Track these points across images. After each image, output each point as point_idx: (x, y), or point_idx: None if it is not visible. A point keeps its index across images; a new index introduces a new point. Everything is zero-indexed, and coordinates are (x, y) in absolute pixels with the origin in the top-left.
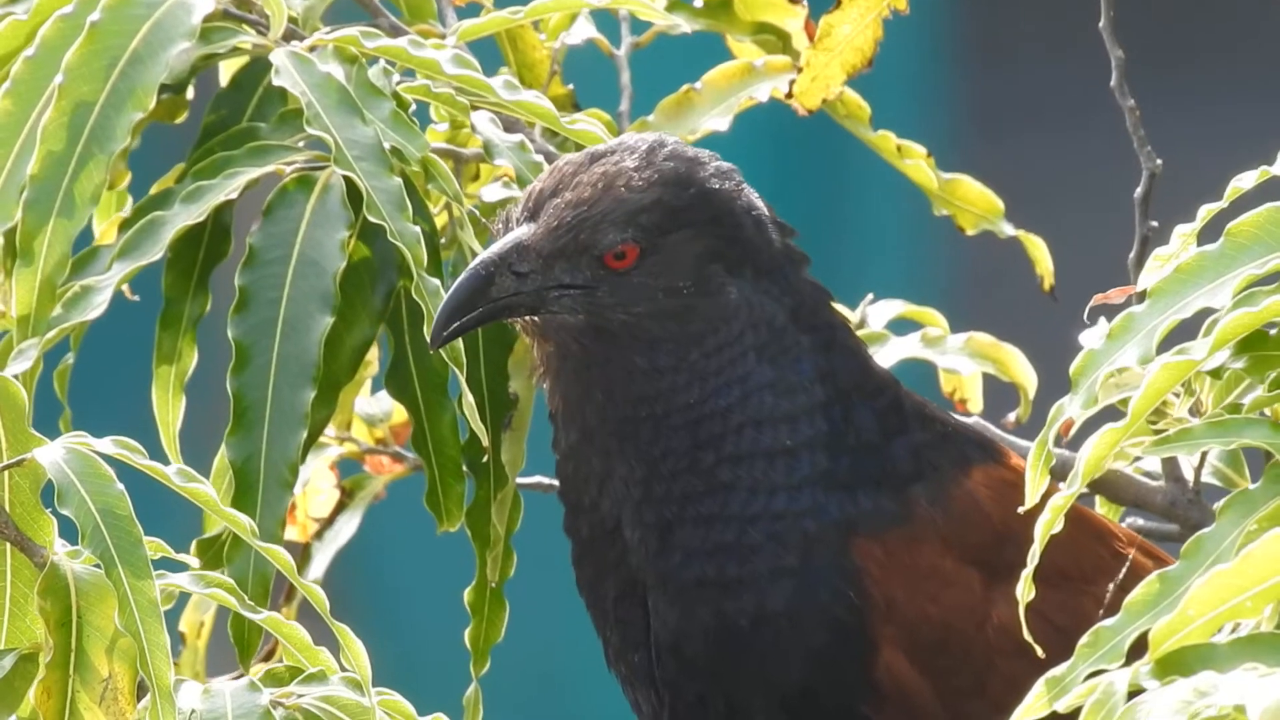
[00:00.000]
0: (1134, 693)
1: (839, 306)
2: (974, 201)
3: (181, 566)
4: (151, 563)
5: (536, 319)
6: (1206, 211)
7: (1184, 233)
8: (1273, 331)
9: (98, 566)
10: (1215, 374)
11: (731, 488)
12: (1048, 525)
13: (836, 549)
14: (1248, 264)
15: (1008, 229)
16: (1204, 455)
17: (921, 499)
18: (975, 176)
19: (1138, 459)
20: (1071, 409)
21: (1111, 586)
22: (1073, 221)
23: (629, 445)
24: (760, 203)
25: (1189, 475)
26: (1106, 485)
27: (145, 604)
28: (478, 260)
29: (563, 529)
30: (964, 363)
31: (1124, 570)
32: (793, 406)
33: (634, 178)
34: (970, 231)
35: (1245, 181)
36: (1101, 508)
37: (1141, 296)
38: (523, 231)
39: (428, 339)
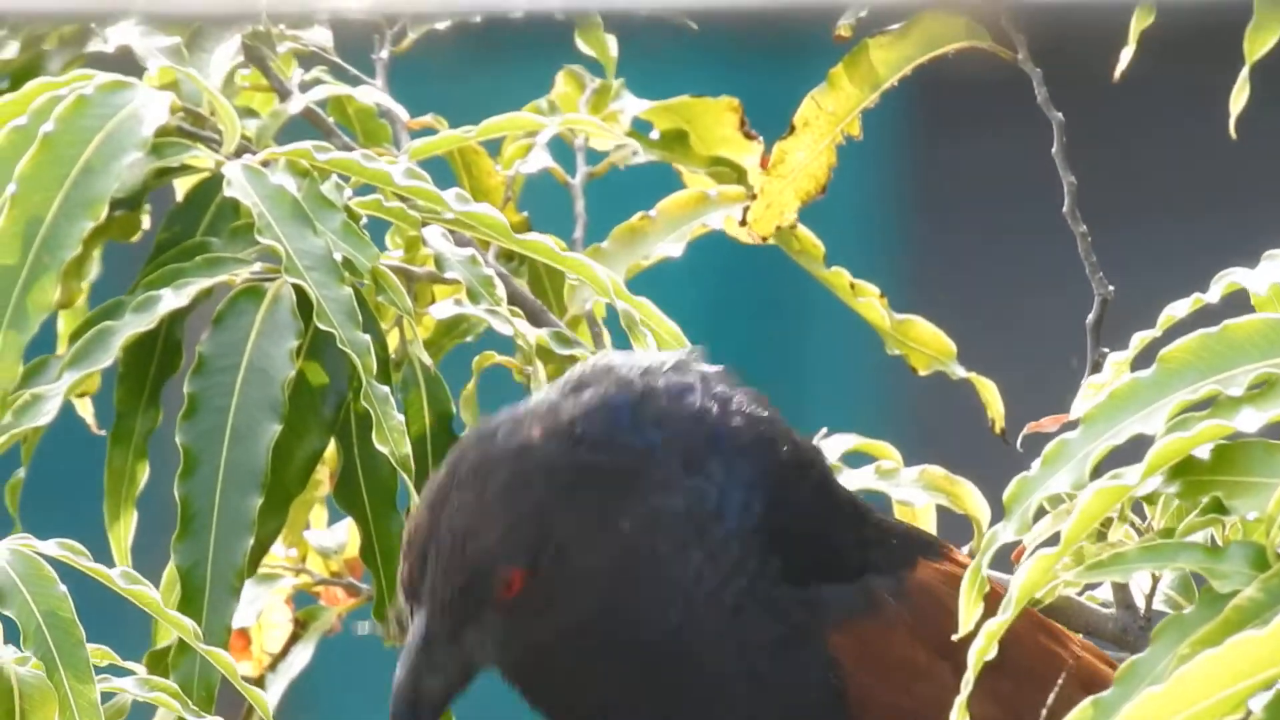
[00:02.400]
0: None
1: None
2: (926, 342)
3: (130, 675)
4: (99, 669)
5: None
6: (1140, 340)
7: (1117, 361)
8: (1205, 456)
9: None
10: (1149, 499)
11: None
12: (981, 651)
13: (814, 642)
14: (1180, 389)
15: (959, 370)
16: (1155, 583)
17: (886, 589)
18: (931, 305)
19: (1090, 587)
20: (1005, 535)
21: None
22: (1026, 349)
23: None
24: (670, 411)
25: (1140, 603)
26: (1058, 612)
27: (86, 706)
28: (396, 691)
29: None
30: (918, 495)
31: (1069, 669)
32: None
33: (501, 505)
34: (922, 372)
35: (1179, 310)
36: None
37: (1075, 425)
38: (421, 624)
39: (377, 445)
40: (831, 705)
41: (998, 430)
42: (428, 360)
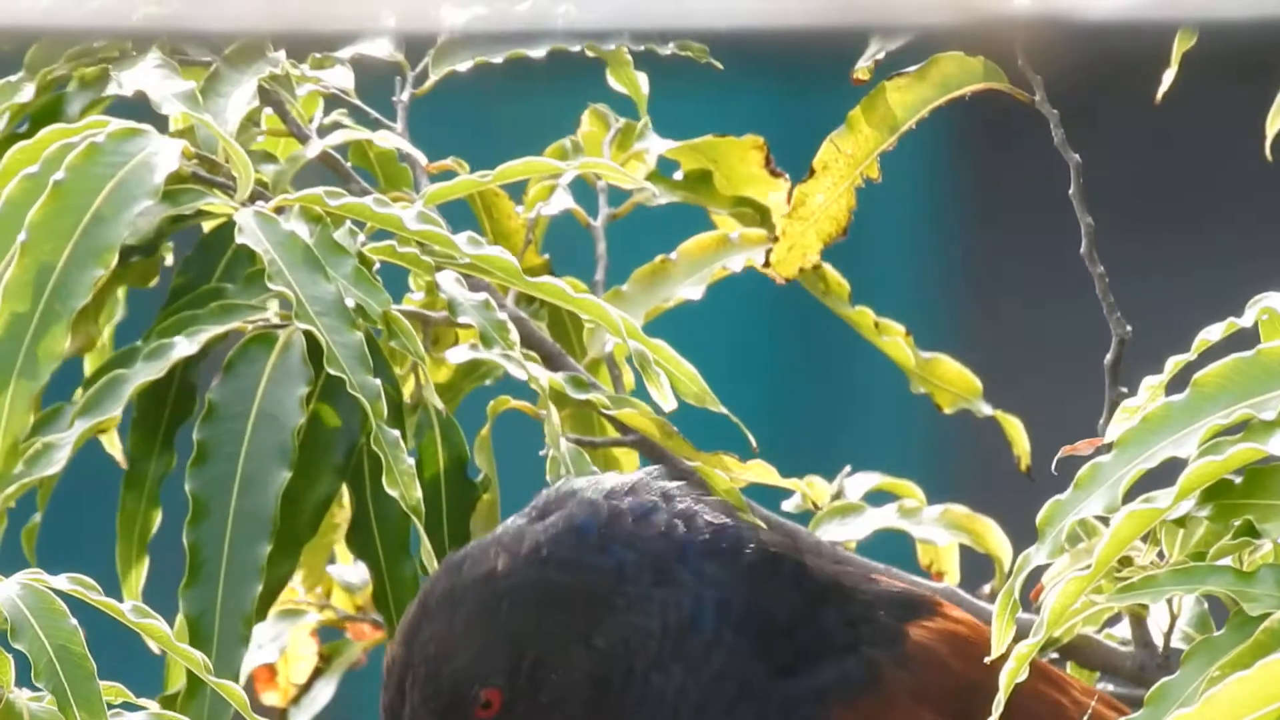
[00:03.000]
0: None
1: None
2: (952, 381)
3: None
4: (111, 706)
5: None
6: (1174, 363)
7: (1151, 384)
8: (1238, 480)
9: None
10: (1179, 523)
11: None
12: (1012, 674)
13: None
14: (1213, 414)
15: (985, 408)
16: (1173, 620)
17: (884, 660)
18: (961, 344)
19: (1108, 626)
20: (1038, 558)
21: None
22: (1049, 390)
23: None
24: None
25: (1159, 640)
26: (1076, 650)
27: None
28: None
29: None
30: (940, 534)
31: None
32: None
33: (448, 641)
34: (948, 410)
35: (1213, 334)
36: (1072, 672)
37: (1109, 448)
38: None
39: (387, 489)
40: None
41: (1023, 468)
42: (440, 405)
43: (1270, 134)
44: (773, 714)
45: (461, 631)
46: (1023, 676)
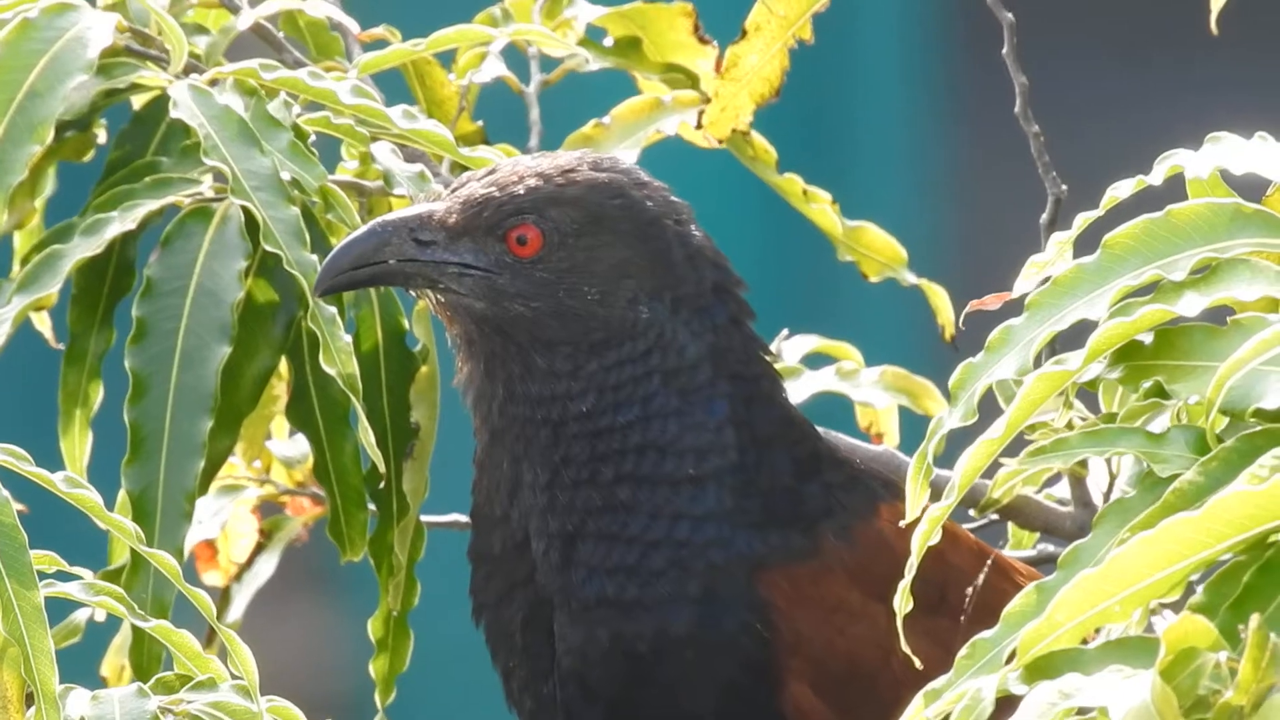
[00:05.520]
0: (1003, 699)
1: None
2: (879, 249)
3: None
4: (45, 576)
5: (440, 298)
6: (1082, 220)
7: (1059, 241)
8: (1148, 341)
9: None
10: (1090, 385)
11: (631, 509)
12: (925, 536)
13: (742, 582)
14: (1124, 275)
15: (910, 277)
16: (1112, 480)
17: (829, 534)
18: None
19: (1048, 486)
20: (951, 421)
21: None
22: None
23: (533, 449)
24: (705, 243)
25: (1098, 500)
26: (1016, 512)
27: (30, 610)
28: (377, 221)
29: (467, 554)
30: (878, 396)
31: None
32: (699, 441)
33: (560, 175)
34: (873, 278)
35: (1121, 191)
36: (1012, 535)
37: (1020, 306)
38: (435, 204)
39: (324, 366)
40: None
41: (947, 337)
42: None
43: (1215, 8)
44: (710, 556)
45: (558, 180)
46: (935, 539)
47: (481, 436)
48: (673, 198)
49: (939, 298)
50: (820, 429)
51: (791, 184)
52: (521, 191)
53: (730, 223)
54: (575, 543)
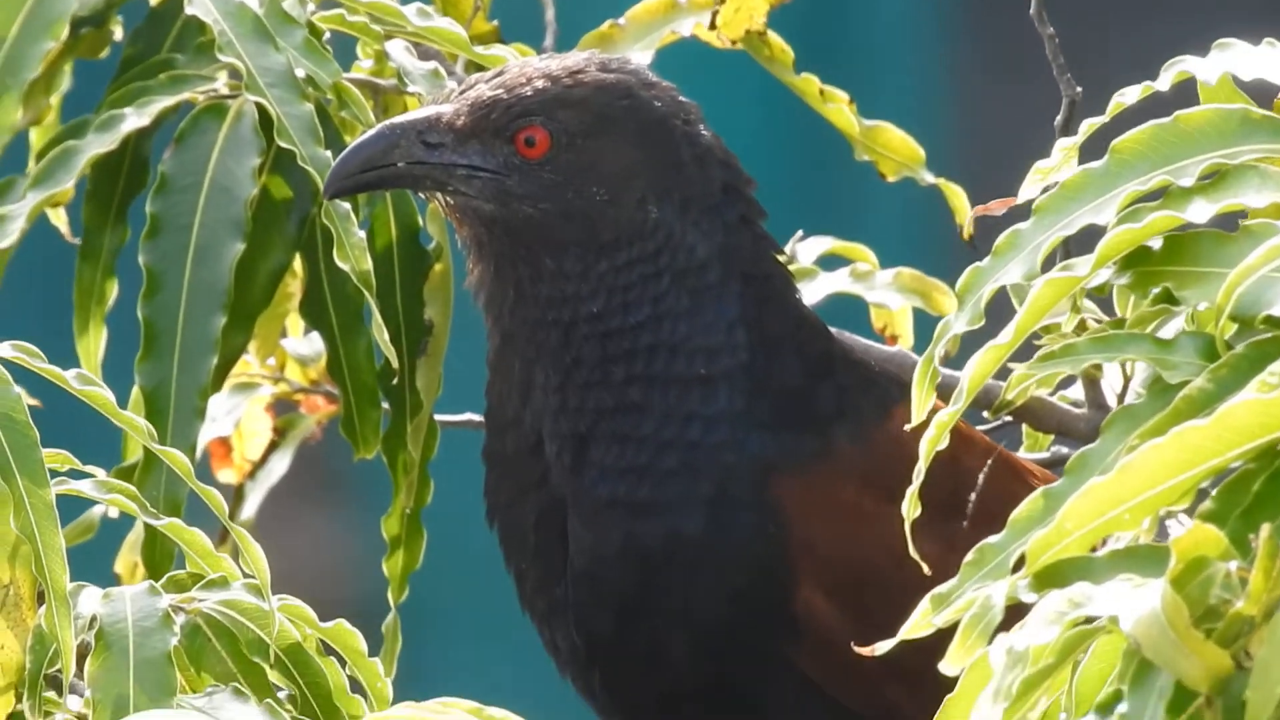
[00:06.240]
0: (1012, 605)
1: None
2: (896, 149)
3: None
4: (57, 474)
5: (449, 200)
6: (1088, 125)
7: (1065, 146)
8: (1156, 247)
9: None
10: (1100, 290)
11: (643, 410)
12: (932, 441)
13: (754, 484)
14: (1132, 180)
15: (928, 176)
16: (1126, 382)
17: (842, 437)
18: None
19: (1062, 388)
20: (957, 325)
21: None
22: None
23: (544, 350)
24: (714, 142)
25: (1112, 402)
26: (1030, 413)
27: (41, 508)
28: (385, 123)
29: (481, 455)
30: (893, 297)
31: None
32: (709, 340)
33: (568, 76)
34: (891, 178)
35: (1128, 96)
36: (1027, 436)
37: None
38: (443, 106)
39: (338, 263)
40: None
41: (965, 236)
42: None
43: None
44: (722, 458)
45: (566, 81)
46: (944, 443)
47: (494, 339)
48: (681, 98)
49: (957, 197)
50: (834, 330)
51: (808, 83)
52: (529, 93)
53: (743, 125)
54: (587, 444)
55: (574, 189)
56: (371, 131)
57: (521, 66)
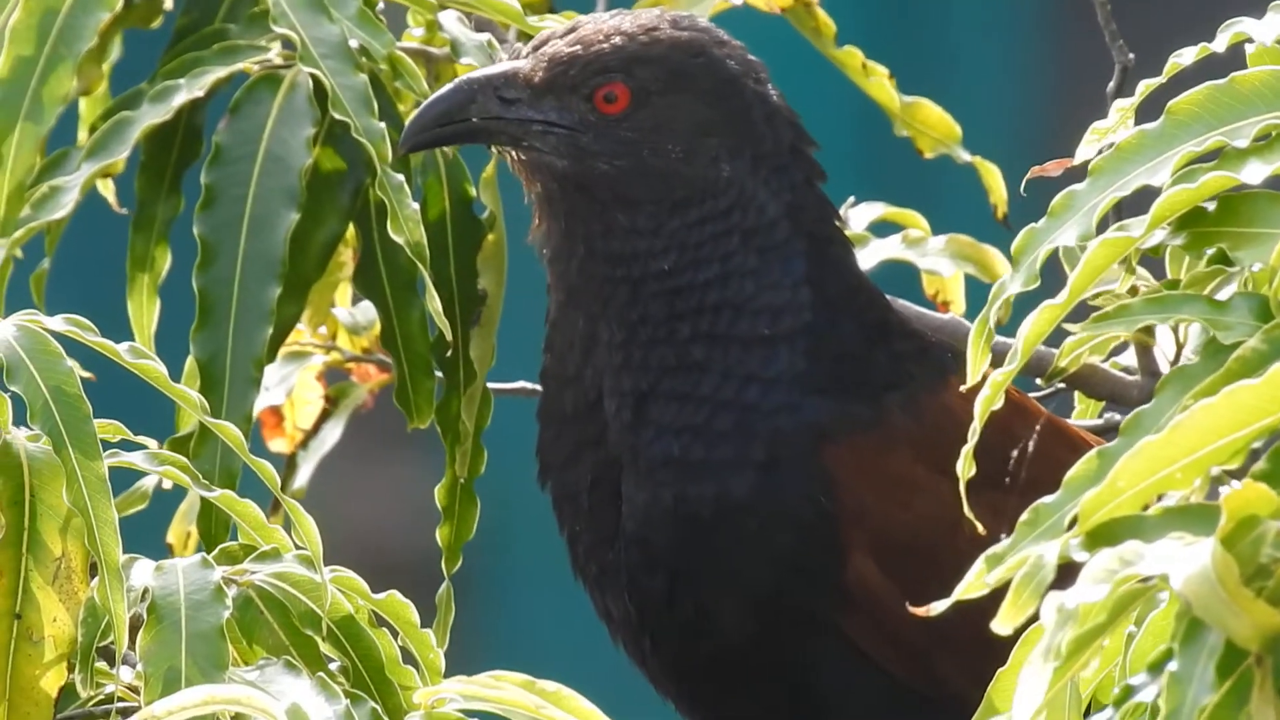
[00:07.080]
0: (1065, 565)
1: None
2: (934, 125)
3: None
4: (110, 445)
5: (522, 156)
6: (1145, 86)
7: (1121, 107)
8: (1211, 208)
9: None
10: (1154, 251)
11: (705, 368)
12: (987, 401)
13: (806, 451)
14: (1187, 141)
15: (963, 154)
16: (1179, 349)
17: (895, 407)
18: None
19: (1114, 355)
20: (1013, 286)
21: None
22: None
23: (610, 307)
24: (781, 102)
25: (1165, 369)
26: (1082, 380)
27: (94, 481)
28: (462, 78)
29: (536, 414)
30: (945, 264)
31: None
32: (774, 300)
33: (644, 33)
34: (928, 154)
35: (1185, 58)
36: (1079, 403)
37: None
38: (520, 62)
39: (391, 234)
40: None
41: (999, 216)
42: None
43: None
44: (777, 421)
45: (644, 38)
46: (998, 405)
47: (557, 295)
48: (750, 56)
49: (992, 175)
50: (889, 297)
51: (851, 56)
52: (608, 49)
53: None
54: (647, 401)
55: (649, 146)
56: (448, 86)
57: (596, 23)
